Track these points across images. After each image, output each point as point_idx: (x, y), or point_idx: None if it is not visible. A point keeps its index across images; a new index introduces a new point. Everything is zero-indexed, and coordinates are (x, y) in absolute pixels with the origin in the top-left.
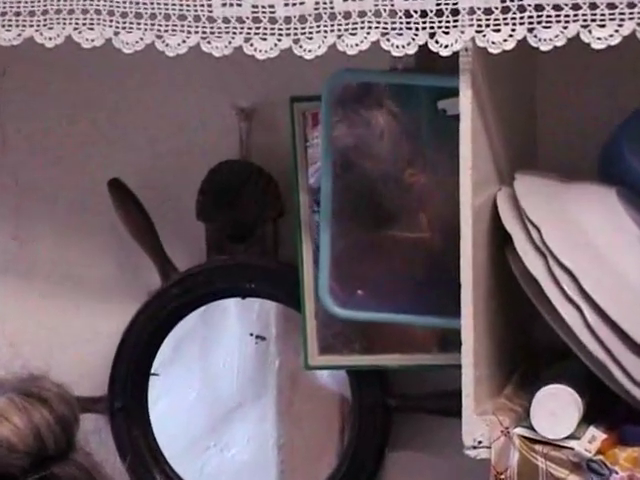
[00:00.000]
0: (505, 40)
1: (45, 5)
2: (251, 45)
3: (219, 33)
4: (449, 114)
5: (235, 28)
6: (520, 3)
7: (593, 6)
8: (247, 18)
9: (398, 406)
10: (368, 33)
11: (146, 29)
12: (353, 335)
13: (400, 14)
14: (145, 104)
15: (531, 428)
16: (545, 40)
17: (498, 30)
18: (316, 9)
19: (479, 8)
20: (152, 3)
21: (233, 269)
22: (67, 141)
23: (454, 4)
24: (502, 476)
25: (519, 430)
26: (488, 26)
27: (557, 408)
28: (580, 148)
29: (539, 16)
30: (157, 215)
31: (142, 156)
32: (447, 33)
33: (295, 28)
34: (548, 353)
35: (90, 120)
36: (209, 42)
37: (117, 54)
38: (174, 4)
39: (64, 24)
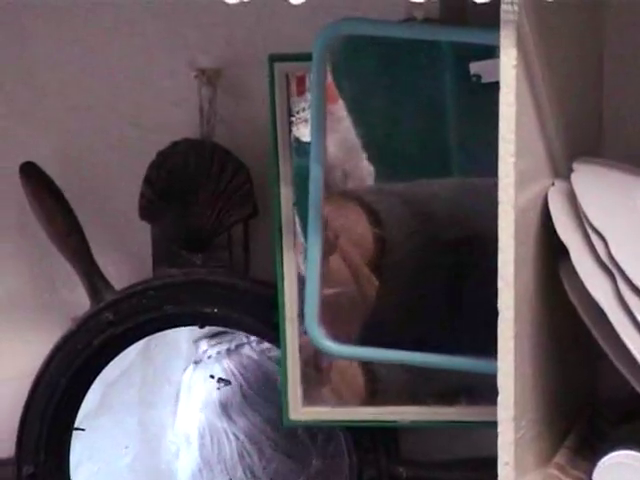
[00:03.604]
0: None
1: None
2: None
3: None
4: (485, 81)
5: None
6: None
7: None
8: None
9: (410, 477)
10: None
11: None
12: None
13: None
14: (72, 65)
15: None
16: None
17: None
18: None
19: None
20: None
21: (188, 288)
22: None
23: None
24: None
25: None
26: None
27: None
28: None
29: None
30: (86, 213)
31: (67, 134)
32: None
33: None
34: (616, 407)
35: None
36: None
37: None
38: None
39: None
